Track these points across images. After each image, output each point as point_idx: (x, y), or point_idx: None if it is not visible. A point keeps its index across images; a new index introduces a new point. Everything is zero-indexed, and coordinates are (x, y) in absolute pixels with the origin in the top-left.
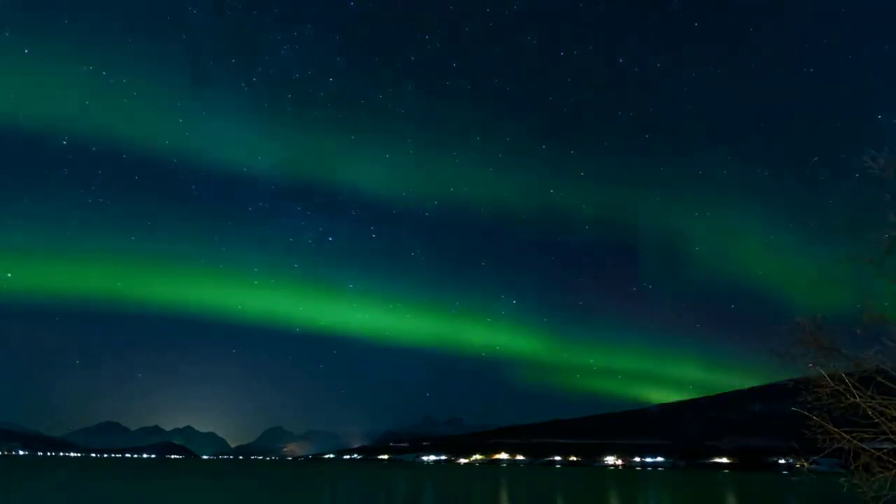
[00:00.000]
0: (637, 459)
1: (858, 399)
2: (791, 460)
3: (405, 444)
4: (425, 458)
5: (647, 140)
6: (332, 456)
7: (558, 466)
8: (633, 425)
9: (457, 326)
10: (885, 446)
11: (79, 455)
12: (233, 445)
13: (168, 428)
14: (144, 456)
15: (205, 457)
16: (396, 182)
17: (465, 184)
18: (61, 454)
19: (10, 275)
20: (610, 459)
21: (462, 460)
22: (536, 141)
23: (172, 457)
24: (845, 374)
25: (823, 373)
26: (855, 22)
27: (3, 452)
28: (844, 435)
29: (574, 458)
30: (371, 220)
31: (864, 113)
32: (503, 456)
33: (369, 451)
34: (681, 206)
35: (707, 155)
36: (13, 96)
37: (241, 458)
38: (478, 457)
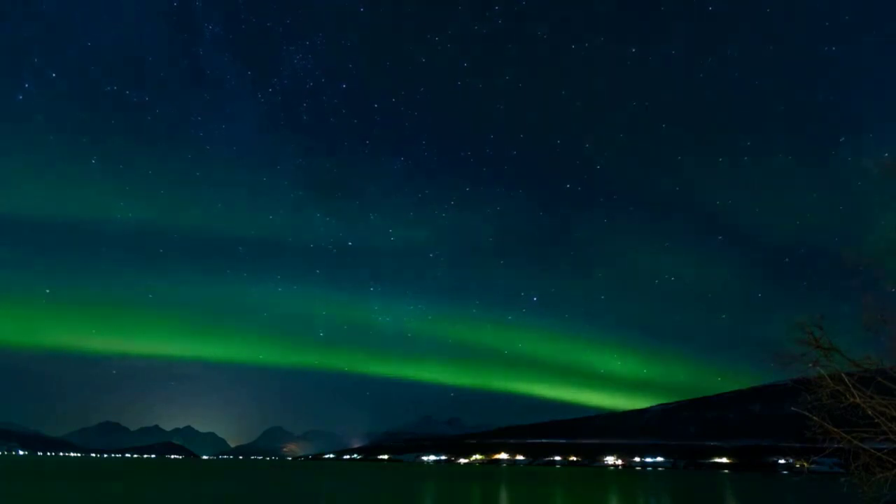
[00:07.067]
0: (637, 459)
1: (858, 399)
2: (791, 460)
3: (405, 444)
4: (425, 458)
5: (663, 129)
6: (332, 456)
7: (558, 466)
8: (633, 425)
9: (477, 325)
10: (885, 446)
11: (79, 455)
12: (233, 445)
13: (168, 428)
14: (144, 456)
15: (205, 457)
16: (413, 184)
17: (481, 182)
18: (61, 454)
19: (48, 290)
20: (610, 459)
21: (462, 460)
22: (551, 136)
23: (172, 457)
24: (845, 374)
25: (823, 373)
26: None
27: (3, 452)
28: (844, 435)
29: (574, 458)
30: (389, 223)
31: (890, 91)
32: (503, 456)
33: (369, 451)
34: (701, 195)
35: (726, 141)
36: (42, 119)
37: (241, 458)
38: (478, 457)
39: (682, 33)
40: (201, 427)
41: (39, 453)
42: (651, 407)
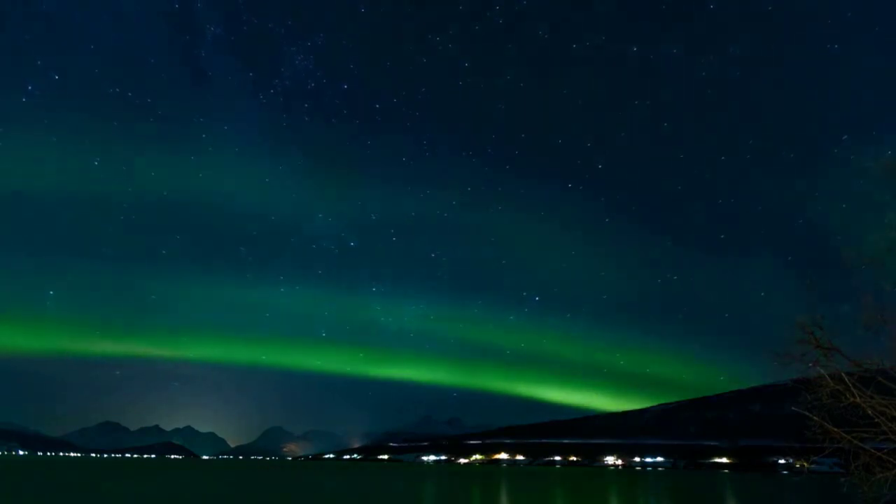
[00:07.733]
0: (637, 459)
1: (858, 399)
2: (791, 460)
3: (405, 444)
4: (425, 458)
5: (665, 128)
6: (332, 456)
7: (558, 466)
8: (633, 425)
9: (479, 325)
10: (885, 446)
11: (79, 455)
12: (233, 445)
13: (168, 428)
14: (144, 456)
15: (205, 457)
16: (414, 184)
17: (483, 182)
18: (61, 454)
19: (51, 292)
20: (610, 459)
21: (462, 460)
22: (551, 136)
23: (172, 457)
24: (845, 374)
25: (823, 373)
26: None
27: (3, 452)
28: (844, 435)
29: (574, 458)
30: (391, 224)
31: (891, 90)
32: (503, 456)
33: (369, 451)
34: (701, 195)
35: (728, 140)
36: (46, 121)
37: (241, 458)
38: (478, 457)
39: (683, 33)
40: (201, 427)
41: (39, 453)
42: (651, 407)
